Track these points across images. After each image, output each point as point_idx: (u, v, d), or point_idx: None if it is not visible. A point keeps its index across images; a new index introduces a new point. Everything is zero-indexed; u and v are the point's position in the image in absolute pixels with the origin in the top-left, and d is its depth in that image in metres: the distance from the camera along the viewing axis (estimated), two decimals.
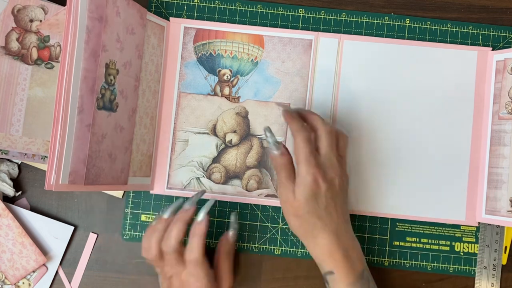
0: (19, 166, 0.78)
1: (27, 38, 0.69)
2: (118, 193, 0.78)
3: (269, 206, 0.78)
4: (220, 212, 0.78)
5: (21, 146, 0.71)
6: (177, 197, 0.78)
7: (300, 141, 0.66)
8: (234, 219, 0.74)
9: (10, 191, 0.76)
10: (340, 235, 0.67)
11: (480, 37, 0.80)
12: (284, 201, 0.68)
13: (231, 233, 0.73)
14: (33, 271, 0.76)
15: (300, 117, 0.70)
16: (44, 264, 0.77)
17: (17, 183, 0.78)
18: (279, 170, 0.68)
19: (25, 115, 0.71)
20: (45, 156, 0.73)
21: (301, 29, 0.80)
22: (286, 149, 0.68)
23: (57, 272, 0.77)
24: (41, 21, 0.69)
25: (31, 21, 0.68)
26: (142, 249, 0.70)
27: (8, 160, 0.77)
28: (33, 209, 0.78)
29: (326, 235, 0.67)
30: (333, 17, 0.80)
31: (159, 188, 0.78)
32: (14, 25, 0.68)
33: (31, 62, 0.69)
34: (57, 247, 0.77)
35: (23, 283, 0.76)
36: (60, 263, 0.77)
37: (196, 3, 0.80)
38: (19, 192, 0.77)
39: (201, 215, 0.69)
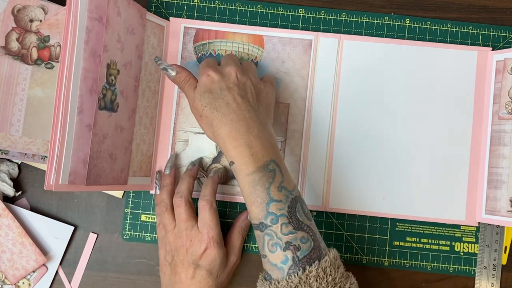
0: (19, 166, 0.78)
1: (27, 38, 0.69)
2: (118, 193, 0.78)
3: None
4: (220, 212, 0.78)
5: (21, 146, 0.71)
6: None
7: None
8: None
9: (10, 191, 0.76)
10: (242, 122, 0.66)
11: (480, 37, 0.80)
12: (191, 107, 0.70)
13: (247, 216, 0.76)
14: (33, 271, 0.76)
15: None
16: (44, 264, 0.77)
17: (17, 183, 0.78)
18: (182, 85, 0.71)
19: (25, 115, 0.71)
20: (45, 156, 0.73)
21: (301, 29, 0.80)
22: (181, 67, 0.72)
23: (57, 272, 0.77)
24: (41, 21, 0.68)
25: (31, 21, 0.68)
26: (156, 206, 0.75)
27: (8, 160, 0.77)
28: (33, 209, 0.78)
29: (225, 125, 0.66)
30: (333, 17, 0.80)
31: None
32: (14, 25, 0.68)
33: (31, 62, 0.69)
34: (57, 247, 0.77)
35: (23, 283, 0.76)
36: (60, 263, 0.77)
37: (196, 3, 0.80)
38: (19, 192, 0.77)
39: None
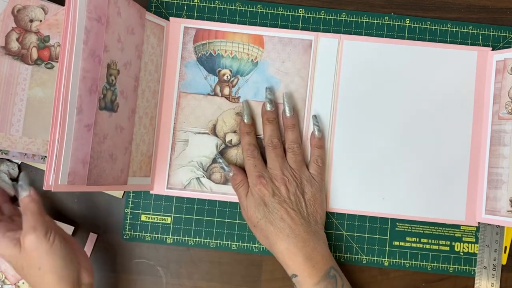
0: (19, 166, 0.78)
1: (27, 38, 0.69)
2: (118, 193, 0.78)
3: None
4: (220, 212, 0.78)
5: (21, 146, 0.71)
6: (178, 197, 0.78)
7: (246, 157, 0.74)
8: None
9: (10, 191, 0.76)
10: (298, 238, 0.70)
11: (480, 37, 0.80)
12: (243, 213, 0.74)
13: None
14: None
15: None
16: None
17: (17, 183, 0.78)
18: (236, 188, 0.74)
19: (25, 115, 0.71)
20: (45, 156, 0.73)
21: (301, 29, 0.80)
22: (237, 168, 0.75)
23: None
24: (41, 21, 0.69)
25: (31, 21, 0.68)
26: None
27: (8, 160, 0.77)
28: None
29: (281, 241, 0.70)
30: (333, 17, 0.80)
31: (159, 188, 0.78)
32: (14, 25, 0.68)
33: (31, 62, 0.69)
34: None
35: (23, 283, 0.76)
36: None
37: (196, 3, 0.80)
38: None
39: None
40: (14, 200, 0.77)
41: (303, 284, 0.69)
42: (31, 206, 0.66)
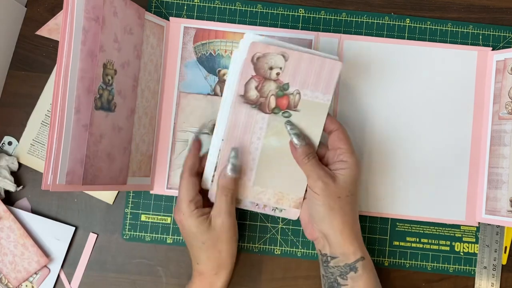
0: (19, 166, 0.78)
1: (266, 86, 0.68)
2: (110, 199, 0.78)
3: None
4: None
5: (252, 195, 0.72)
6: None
7: (347, 133, 0.70)
8: (234, 154, 0.70)
9: (11, 186, 0.76)
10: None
11: (480, 37, 0.80)
12: (325, 186, 0.67)
13: (229, 167, 0.70)
14: (35, 273, 0.76)
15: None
16: (46, 266, 0.77)
17: (17, 182, 0.78)
18: (310, 158, 0.69)
19: (258, 164, 0.71)
20: (276, 208, 0.73)
21: (301, 29, 0.80)
22: (309, 139, 0.70)
23: (59, 273, 0.77)
24: (281, 68, 0.68)
25: (271, 68, 0.67)
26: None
27: (7, 153, 0.77)
28: (33, 209, 0.78)
29: (358, 221, 0.70)
30: (333, 17, 0.80)
31: (159, 188, 0.78)
32: (254, 73, 0.68)
33: (268, 111, 0.69)
34: (59, 249, 0.77)
35: (26, 286, 0.76)
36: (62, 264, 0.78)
37: (196, 3, 0.80)
38: (20, 187, 0.77)
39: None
40: (14, 201, 0.78)
41: (366, 267, 0.68)
42: (227, 192, 0.69)
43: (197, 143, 0.73)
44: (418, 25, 0.80)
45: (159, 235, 0.78)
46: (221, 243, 0.70)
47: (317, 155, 0.70)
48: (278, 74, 0.69)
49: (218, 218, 0.69)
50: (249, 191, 0.72)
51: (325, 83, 0.69)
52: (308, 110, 0.69)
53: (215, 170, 0.71)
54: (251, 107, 0.69)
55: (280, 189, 0.72)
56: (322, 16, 0.80)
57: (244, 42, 0.68)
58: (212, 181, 0.71)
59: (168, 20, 0.79)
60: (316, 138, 0.70)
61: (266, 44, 0.68)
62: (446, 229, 0.78)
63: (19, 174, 0.78)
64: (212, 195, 0.72)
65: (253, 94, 0.69)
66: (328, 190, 0.67)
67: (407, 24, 0.80)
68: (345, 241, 0.67)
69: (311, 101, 0.69)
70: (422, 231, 0.78)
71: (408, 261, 0.78)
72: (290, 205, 0.72)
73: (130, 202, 0.79)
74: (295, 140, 0.69)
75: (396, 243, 0.78)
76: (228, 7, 0.80)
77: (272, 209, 0.73)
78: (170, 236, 0.78)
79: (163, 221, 0.78)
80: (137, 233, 0.78)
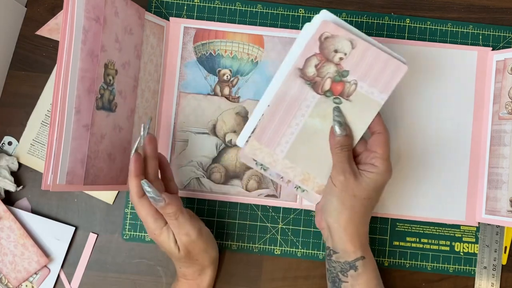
0: (19, 166, 0.78)
1: (326, 67, 0.67)
2: (110, 199, 0.78)
3: (269, 206, 0.78)
4: (220, 212, 0.78)
5: (280, 167, 0.71)
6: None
7: (389, 139, 0.68)
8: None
9: (11, 186, 0.76)
10: (368, 224, 0.71)
11: (480, 37, 0.80)
12: (345, 181, 0.67)
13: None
14: (35, 273, 0.76)
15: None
16: (46, 266, 0.77)
17: (17, 182, 0.78)
18: (343, 150, 0.68)
19: (295, 140, 0.70)
20: (299, 187, 0.72)
21: (301, 29, 0.79)
22: (351, 131, 0.69)
23: (59, 273, 0.77)
24: (345, 54, 0.67)
25: (336, 51, 0.67)
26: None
27: (7, 153, 0.77)
28: (34, 209, 0.78)
29: (367, 224, 0.70)
30: None
31: None
32: (318, 51, 0.67)
33: (320, 92, 0.68)
34: (59, 249, 0.77)
35: (26, 286, 0.76)
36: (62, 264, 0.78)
37: (196, 3, 0.80)
38: (20, 187, 0.77)
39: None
40: (14, 200, 0.78)
41: (368, 267, 0.68)
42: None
43: (139, 159, 0.66)
44: (418, 25, 0.80)
45: None
46: (198, 254, 0.71)
47: (352, 150, 0.69)
48: (341, 59, 0.67)
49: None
50: (278, 162, 0.70)
51: (385, 82, 0.68)
52: (360, 103, 0.68)
53: (252, 132, 0.70)
54: (305, 83, 0.68)
55: (308, 169, 0.70)
56: None
57: (317, 17, 0.67)
58: (247, 141, 0.70)
59: (168, 20, 0.79)
60: (358, 132, 0.69)
61: (337, 26, 0.67)
62: (446, 229, 0.78)
63: (19, 174, 0.78)
64: (242, 156, 0.71)
65: (311, 71, 0.68)
66: (346, 186, 0.66)
67: (407, 24, 0.80)
68: (347, 238, 0.67)
69: (365, 95, 0.68)
70: (422, 231, 0.78)
71: (408, 261, 0.78)
72: (314, 188, 0.71)
73: (130, 202, 0.78)
74: (337, 128, 0.68)
75: (396, 243, 0.78)
76: (228, 7, 0.80)
77: (295, 187, 0.72)
78: None
79: None
80: (137, 233, 0.78)
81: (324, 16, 0.67)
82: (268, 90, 0.69)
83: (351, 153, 0.68)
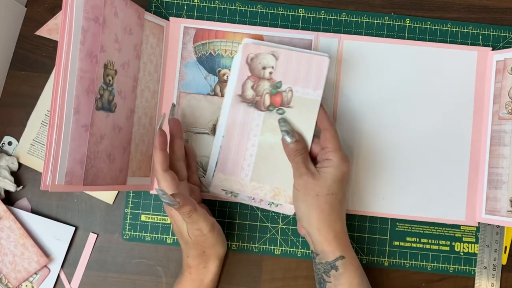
0: (19, 166, 0.78)
1: (261, 85, 0.71)
2: (110, 199, 0.78)
3: None
4: (220, 212, 0.78)
5: (249, 190, 0.74)
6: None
7: (336, 132, 0.71)
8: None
9: (11, 186, 0.76)
10: (344, 221, 0.71)
11: (480, 37, 0.80)
12: (305, 183, 0.68)
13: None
14: (35, 273, 0.76)
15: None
16: (46, 266, 0.77)
17: (17, 182, 0.78)
18: (297, 155, 0.70)
19: (255, 160, 0.74)
20: (272, 203, 0.75)
21: (301, 29, 0.80)
22: (300, 135, 0.71)
23: (59, 273, 0.77)
24: (272, 67, 0.71)
25: (264, 68, 0.71)
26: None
27: (7, 153, 0.77)
28: (33, 209, 0.78)
29: (341, 220, 0.70)
30: (333, 17, 0.80)
31: None
32: (249, 73, 0.72)
33: (263, 109, 0.72)
34: (59, 249, 0.77)
35: (26, 286, 0.76)
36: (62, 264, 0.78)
37: (196, 3, 0.80)
38: (20, 187, 0.77)
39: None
40: (14, 200, 0.78)
41: (348, 266, 0.68)
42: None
43: (163, 134, 0.69)
44: (418, 25, 0.80)
45: (159, 235, 0.78)
46: (206, 247, 0.71)
47: (309, 152, 0.71)
48: (271, 73, 0.72)
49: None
50: (246, 186, 0.74)
51: (315, 79, 0.71)
52: (301, 107, 0.71)
53: (216, 165, 0.74)
54: (248, 105, 0.72)
55: (276, 184, 0.74)
56: (322, 16, 0.80)
57: (240, 47, 0.72)
58: (213, 176, 0.74)
59: (168, 20, 0.79)
60: (308, 133, 0.72)
61: (257, 45, 0.71)
62: (446, 229, 0.78)
63: (19, 174, 0.78)
64: (211, 191, 0.75)
65: (249, 93, 0.72)
66: (307, 187, 0.68)
67: (407, 24, 0.80)
68: (322, 239, 0.68)
69: (303, 97, 0.71)
70: (422, 231, 0.78)
71: (408, 261, 0.78)
72: (286, 201, 0.74)
73: (130, 202, 0.79)
74: (286, 137, 0.70)
75: (396, 243, 0.78)
76: (228, 7, 0.80)
77: (268, 204, 0.75)
78: (170, 236, 0.78)
79: (163, 221, 0.78)
80: (137, 233, 0.78)
81: (244, 41, 0.72)
82: (220, 122, 0.74)
83: (307, 155, 0.71)
